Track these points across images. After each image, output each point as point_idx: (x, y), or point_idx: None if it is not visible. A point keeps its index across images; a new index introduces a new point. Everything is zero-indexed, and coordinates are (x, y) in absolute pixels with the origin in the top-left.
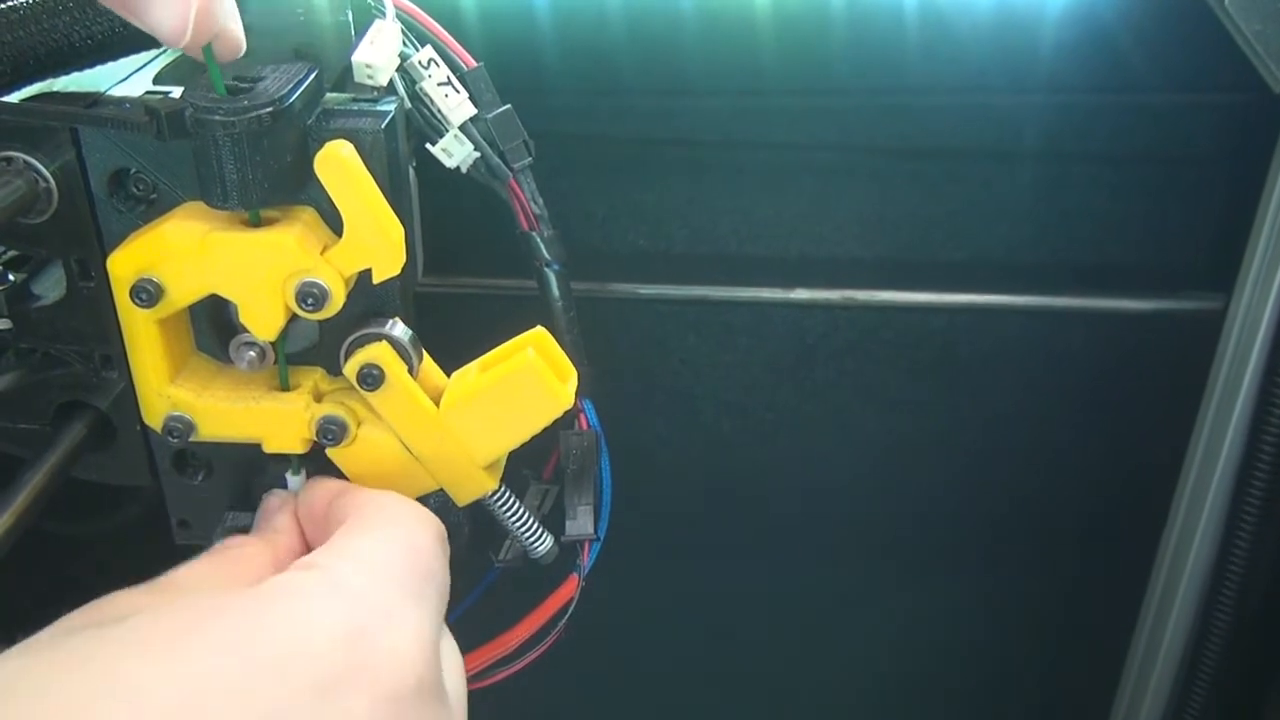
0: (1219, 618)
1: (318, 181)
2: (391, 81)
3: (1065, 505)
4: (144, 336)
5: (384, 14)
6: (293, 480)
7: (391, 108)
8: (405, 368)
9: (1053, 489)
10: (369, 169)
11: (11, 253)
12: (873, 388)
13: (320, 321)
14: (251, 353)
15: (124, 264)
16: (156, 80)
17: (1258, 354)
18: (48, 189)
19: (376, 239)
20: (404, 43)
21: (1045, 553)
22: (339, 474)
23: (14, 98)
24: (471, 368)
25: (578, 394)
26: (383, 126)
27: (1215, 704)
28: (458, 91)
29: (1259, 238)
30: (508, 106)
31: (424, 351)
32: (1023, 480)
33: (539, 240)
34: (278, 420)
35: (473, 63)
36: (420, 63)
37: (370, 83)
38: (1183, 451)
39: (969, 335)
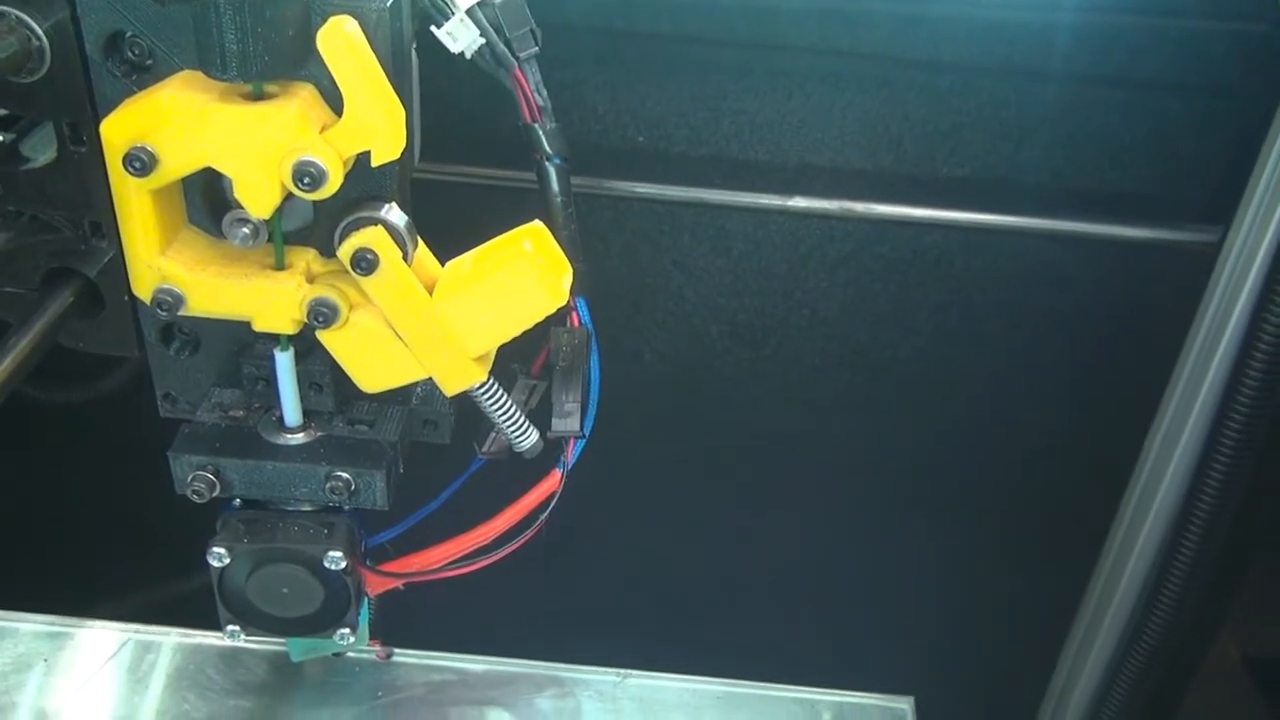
0: (1190, 531)
1: (319, 58)
2: None
3: (1048, 423)
4: (135, 206)
5: None
6: (280, 356)
7: None
8: (400, 253)
9: (1036, 407)
10: (372, 47)
11: (1, 112)
12: (863, 300)
13: (316, 203)
14: (245, 229)
15: (117, 130)
16: None
17: (1249, 289)
18: (40, 48)
19: (377, 119)
20: None
21: (1025, 468)
22: (328, 357)
23: None
24: (466, 258)
25: (571, 291)
26: (388, 4)
27: (1177, 620)
28: None
29: (1262, 172)
30: None
31: (419, 239)
32: (1007, 397)
33: (541, 133)
34: (269, 299)
35: None
36: None
37: None
38: (1167, 378)
39: (964, 253)
